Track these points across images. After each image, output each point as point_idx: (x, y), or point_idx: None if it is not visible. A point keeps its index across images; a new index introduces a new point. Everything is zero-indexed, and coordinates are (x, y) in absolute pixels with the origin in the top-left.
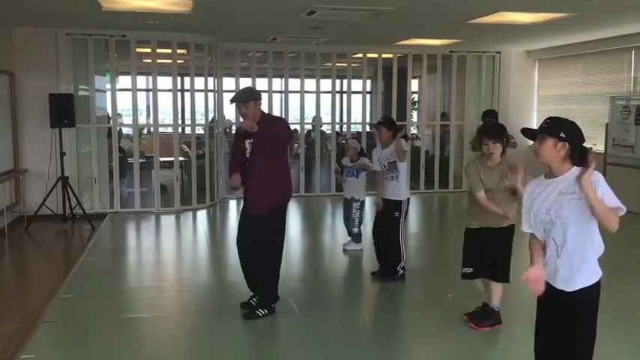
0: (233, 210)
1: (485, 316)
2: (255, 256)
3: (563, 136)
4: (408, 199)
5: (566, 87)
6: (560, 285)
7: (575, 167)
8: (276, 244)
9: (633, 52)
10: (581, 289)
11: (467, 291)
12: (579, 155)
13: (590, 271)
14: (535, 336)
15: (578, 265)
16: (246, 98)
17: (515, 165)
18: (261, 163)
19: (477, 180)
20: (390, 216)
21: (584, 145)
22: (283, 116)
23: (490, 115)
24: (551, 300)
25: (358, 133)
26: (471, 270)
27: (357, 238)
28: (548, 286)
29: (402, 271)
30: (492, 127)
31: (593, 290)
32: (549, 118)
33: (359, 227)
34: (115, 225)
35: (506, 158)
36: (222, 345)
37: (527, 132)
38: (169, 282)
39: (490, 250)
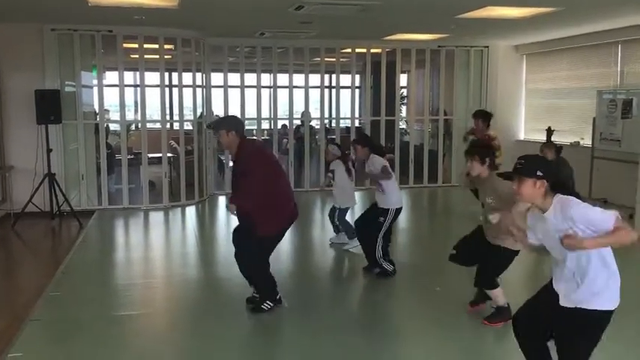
0: (222, 206)
1: (501, 317)
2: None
3: (540, 174)
4: (397, 209)
5: (553, 81)
6: (570, 304)
7: (556, 197)
8: (256, 252)
9: (620, 46)
10: (594, 310)
11: (454, 284)
12: (555, 183)
13: (605, 295)
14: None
15: (596, 289)
16: (217, 127)
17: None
18: (244, 188)
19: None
20: (375, 219)
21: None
22: (271, 111)
23: (481, 116)
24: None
25: (347, 128)
26: (454, 252)
27: (349, 234)
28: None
29: (391, 269)
30: (472, 145)
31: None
32: (522, 157)
33: (342, 224)
34: (102, 222)
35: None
36: (212, 340)
37: (501, 175)
38: (158, 278)
39: (483, 254)
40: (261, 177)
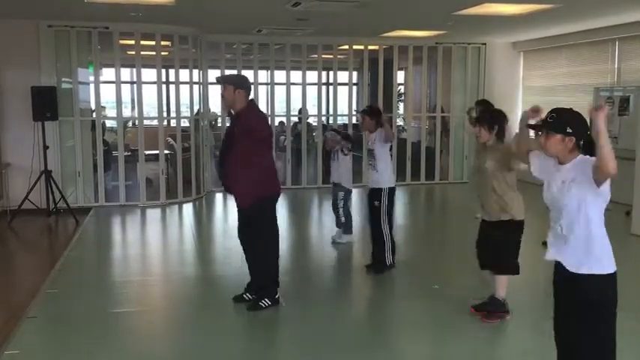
0: (219, 203)
1: (493, 309)
2: (250, 249)
3: (570, 131)
4: (390, 188)
5: (550, 78)
6: (570, 268)
7: (580, 156)
8: (265, 237)
9: (617, 43)
10: (590, 275)
11: (452, 282)
12: (584, 143)
13: (602, 259)
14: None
15: (587, 252)
16: (226, 80)
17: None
18: (239, 151)
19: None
20: (372, 205)
21: (588, 133)
22: (269, 108)
23: (482, 105)
24: (563, 282)
25: (345, 125)
26: (479, 262)
27: (346, 229)
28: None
29: (390, 262)
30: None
31: (604, 281)
32: (554, 111)
33: (345, 216)
34: (99, 219)
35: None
36: (209, 337)
37: (532, 127)
38: (155, 276)
39: (490, 242)
40: (262, 144)
